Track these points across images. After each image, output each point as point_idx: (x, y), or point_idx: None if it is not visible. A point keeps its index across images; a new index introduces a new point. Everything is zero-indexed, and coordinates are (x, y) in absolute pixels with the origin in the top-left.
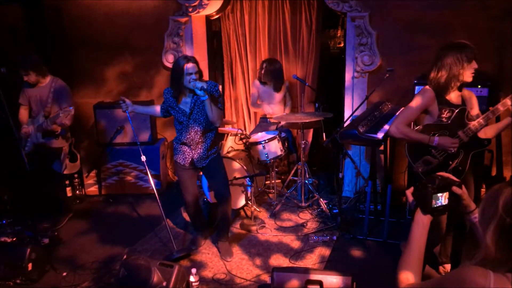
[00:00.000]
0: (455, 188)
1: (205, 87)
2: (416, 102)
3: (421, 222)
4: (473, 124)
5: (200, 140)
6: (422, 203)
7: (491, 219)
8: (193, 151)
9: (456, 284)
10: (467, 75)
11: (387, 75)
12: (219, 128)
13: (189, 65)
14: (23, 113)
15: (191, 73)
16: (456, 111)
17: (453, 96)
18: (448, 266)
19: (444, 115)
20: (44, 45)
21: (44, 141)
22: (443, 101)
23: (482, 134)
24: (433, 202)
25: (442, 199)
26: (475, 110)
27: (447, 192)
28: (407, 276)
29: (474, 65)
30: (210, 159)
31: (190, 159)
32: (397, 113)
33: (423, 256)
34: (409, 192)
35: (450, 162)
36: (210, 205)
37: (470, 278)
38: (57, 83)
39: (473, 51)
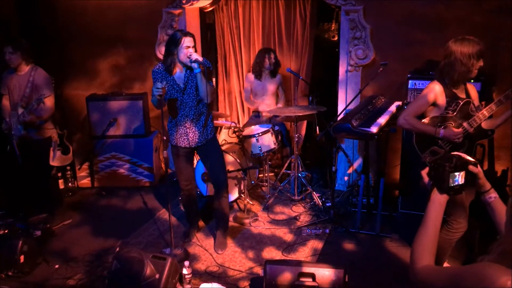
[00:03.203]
0: (471, 167)
1: (200, 59)
2: (424, 95)
3: (438, 202)
4: (478, 115)
5: (194, 117)
6: (439, 182)
7: None
8: (188, 129)
9: (475, 279)
10: (473, 72)
11: (381, 69)
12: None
13: (187, 39)
14: (5, 104)
15: (188, 46)
16: (462, 103)
17: (459, 90)
18: None
19: (450, 108)
20: (36, 38)
21: (26, 133)
22: (450, 95)
23: (485, 125)
24: (450, 181)
25: (459, 178)
26: (475, 102)
27: (464, 172)
28: (421, 256)
29: (481, 62)
30: (206, 139)
31: (185, 139)
32: (407, 105)
33: (438, 236)
34: (424, 173)
35: None
36: (203, 198)
37: (491, 276)
38: (36, 72)
39: (483, 49)
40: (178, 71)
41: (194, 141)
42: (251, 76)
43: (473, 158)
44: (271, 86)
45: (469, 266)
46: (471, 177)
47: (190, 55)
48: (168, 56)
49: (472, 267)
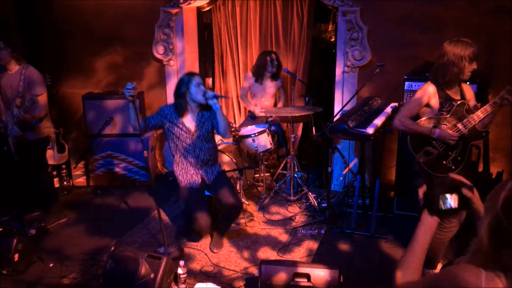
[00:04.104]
0: (465, 191)
1: (217, 95)
2: (418, 96)
3: (427, 223)
4: (472, 116)
5: (205, 158)
6: (430, 203)
7: (489, 212)
8: (200, 169)
9: (449, 282)
10: (465, 74)
11: (378, 70)
12: None
13: (196, 77)
14: (1, 105)
15: (199, 84)
16: (456, 104)
17: (453, 91)
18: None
19: (444, 109)
20: (34, 36)
21: (22, 134)
22: (444, 96)
23: (478, 126)
24: (441, 202)
25: (452, 201)
26: (472, 102)
27: (457, 195)
28: (404, 274)
29: (474, 65)
30: (216, 173)
31: (196, 180)
32: (401, 107)
33: (424, 257)
34: (421, 191)
35: (450, 153)
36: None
37: (463, 277)
38: (27, 70)
39: (475, 52)
40: (189, 113)
41: (207, 178)
42: (251, 76)
43: (468, 159)
44: (271, 89)
45: (444, 271)
46: (464, 201)
47: (206, 92)
48: (178, 99)
49: (446, 271)
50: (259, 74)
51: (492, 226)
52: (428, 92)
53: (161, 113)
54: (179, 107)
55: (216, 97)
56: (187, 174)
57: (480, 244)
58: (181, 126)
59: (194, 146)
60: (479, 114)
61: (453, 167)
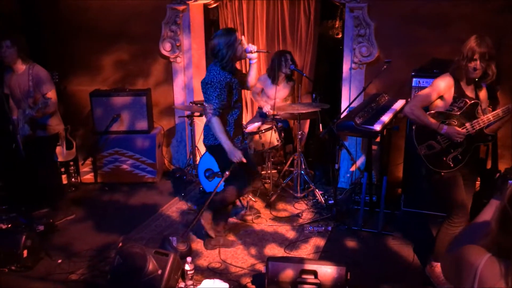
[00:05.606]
0: None
1: (258, 50)
2: (434, 86)
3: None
4: (482, 119)
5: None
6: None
7: (500, 203)
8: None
9: (458, 260)
10: (469, 71)
11: (385, 66)
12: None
13: (236, 33)
14: (12, 104)
15: (241, 40)
16: (469, 103)
17: (469, 88)
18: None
19: (456, 105)
20: (39, 33)
21: (32, 133)
22: (458, 91)
23: (487, 129)
24: None
25: None
26: (484, 104)
27: None
28: None
29: (474, 64)
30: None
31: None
32: (414, 96)
33: None
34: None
35: (452, 151)
36: (206, 194)
37: (466, 256)
38: (34, 69)
39: (476, 51)
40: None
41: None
42: (266, 78)
43: (469, 160)
44: (285, 91)
45: (458, 249)
46: None
47: (250, 47)
48: (228, 59)
49: (460, 249)
50: (274, 75)
51: (500, 217)
52: (445, 84)
53: (225, 80)
54: (230, 68)
55: (257, 51)
56: (234, 131)
57: (491, 230)
58: (237, 86)
59: (241, 102)
60: (490, 117)
61: (452, 165)
